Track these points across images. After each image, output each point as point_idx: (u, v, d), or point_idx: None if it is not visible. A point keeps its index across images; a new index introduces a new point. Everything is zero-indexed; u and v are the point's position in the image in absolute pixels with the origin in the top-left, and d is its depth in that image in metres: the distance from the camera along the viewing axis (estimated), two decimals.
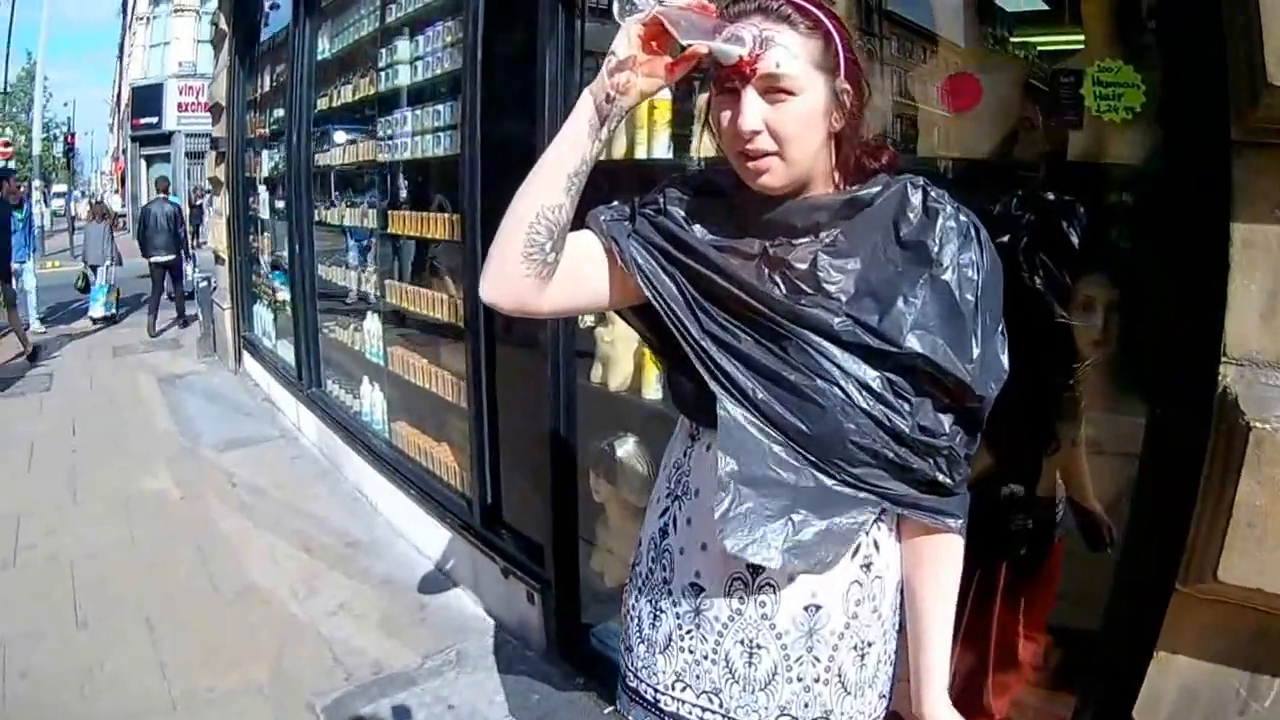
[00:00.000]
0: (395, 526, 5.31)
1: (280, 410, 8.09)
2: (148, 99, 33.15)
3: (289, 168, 7.37)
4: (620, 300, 1.66)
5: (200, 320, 11.19)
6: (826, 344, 1.44)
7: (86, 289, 13.50)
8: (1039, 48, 2.60)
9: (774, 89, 1.40)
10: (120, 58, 40.38)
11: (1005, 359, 1.47)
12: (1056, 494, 2.44)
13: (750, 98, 1.41)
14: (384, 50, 5.67)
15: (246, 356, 9.63)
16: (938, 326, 1.42)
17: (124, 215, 29.64)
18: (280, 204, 8.13)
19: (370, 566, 4.86)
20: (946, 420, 1.46)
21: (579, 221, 1.56)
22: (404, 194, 5.76)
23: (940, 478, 1.48)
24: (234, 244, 9.75)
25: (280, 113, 7.81)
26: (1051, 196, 2.24)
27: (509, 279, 1.50)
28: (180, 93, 32.06)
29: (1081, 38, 2.29)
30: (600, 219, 1.63)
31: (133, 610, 4.43)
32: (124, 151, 37.45)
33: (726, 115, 1.46)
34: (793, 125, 1.42)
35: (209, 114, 11.25)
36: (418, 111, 5.17)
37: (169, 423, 7.93)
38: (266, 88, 8.70)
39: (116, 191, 38.56)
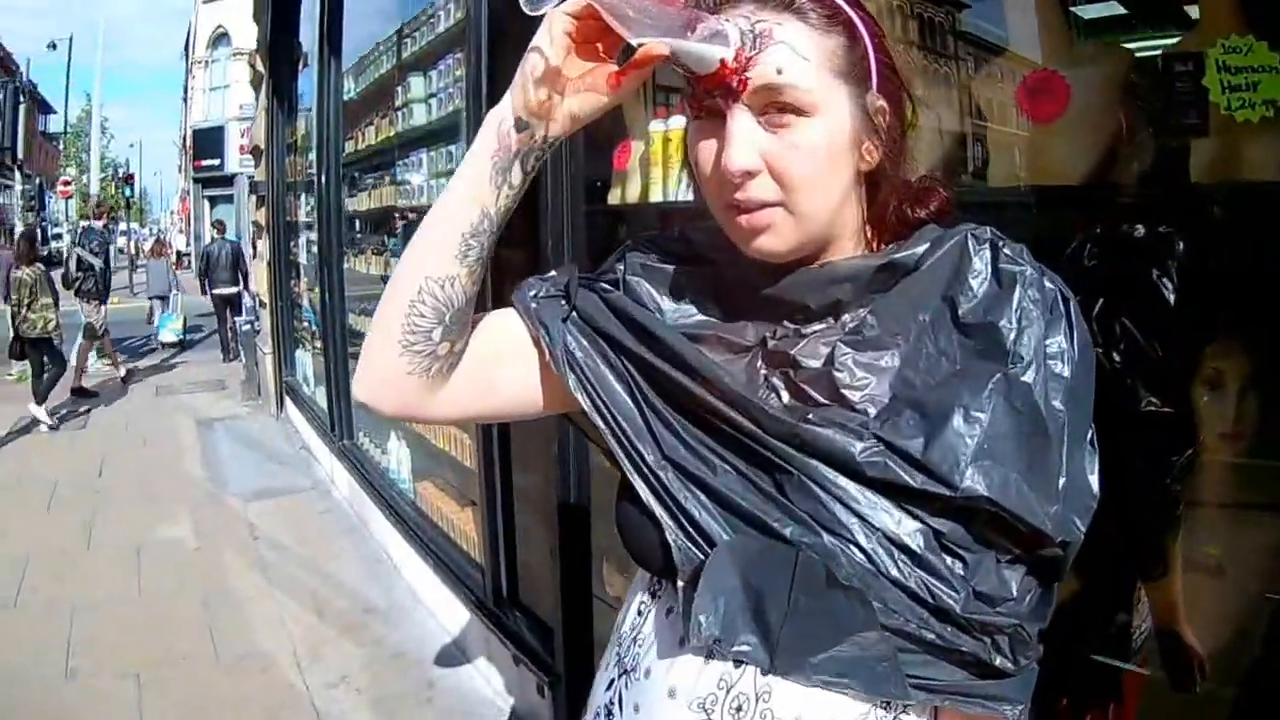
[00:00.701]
0: (416, 592, 5.08)
1: (316, 460, 7.97)
2: (209, 141, 33.90)
3: (319, 212, 7.36)
4: (557, 404, 1.30)
5: (244, 362, 11.30)
6: (843, 481, 1.01)
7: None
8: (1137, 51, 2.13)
9: (776, 108, 1.02)
10: (184, 100, 41.61)
11: (1095, 479, 1.03)
12: (1137, 615, 1.99)
13: (740, 122, 1.03)
14: (399, 88, 5.59)
15: (288, 402, 9.58)
16: (1011, 452, 0.98)
17: (187, 254, 30.43)
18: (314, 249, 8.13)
19: (383, 635, 4.65)
20: (1014, 578, 1.01)
21: (504, 294, 1.27)
22: None
23: (999, 661, 1.02)
24: (275, 288, 9.76)
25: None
26: (1147, 231, 1.75)
27: (386, 376, 1.18)
28: (241, 135, 32.42)
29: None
30: (527, 295, 1.28)
31: (124, 666, 4.31)
32: (188, 193, 38.51)
33: (707, 148, 1.08)
34: (805, 162, 1.03)
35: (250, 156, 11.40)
36: (432, 154, 5.07)
37: (199, 468, 7.88)
38: (303, 130, 8.69)
39: (181, 231, 39.68)
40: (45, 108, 69.55)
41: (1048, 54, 2.12)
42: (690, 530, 1.08)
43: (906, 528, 1.00)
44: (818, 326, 1.13)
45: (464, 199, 1.13)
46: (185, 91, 40.40)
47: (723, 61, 1.02)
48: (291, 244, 9.49)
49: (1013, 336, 1.02)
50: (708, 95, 1.06)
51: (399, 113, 5.62)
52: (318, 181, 7.28)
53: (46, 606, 4.99)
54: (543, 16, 1.05)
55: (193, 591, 5.18)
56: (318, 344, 8.31)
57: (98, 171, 28.51)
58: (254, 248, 11.70)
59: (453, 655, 4.48)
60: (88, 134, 35.24)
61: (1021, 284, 1.05)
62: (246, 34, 9.63)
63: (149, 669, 4.28)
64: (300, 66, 8.59)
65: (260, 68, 9.52)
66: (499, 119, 1.10)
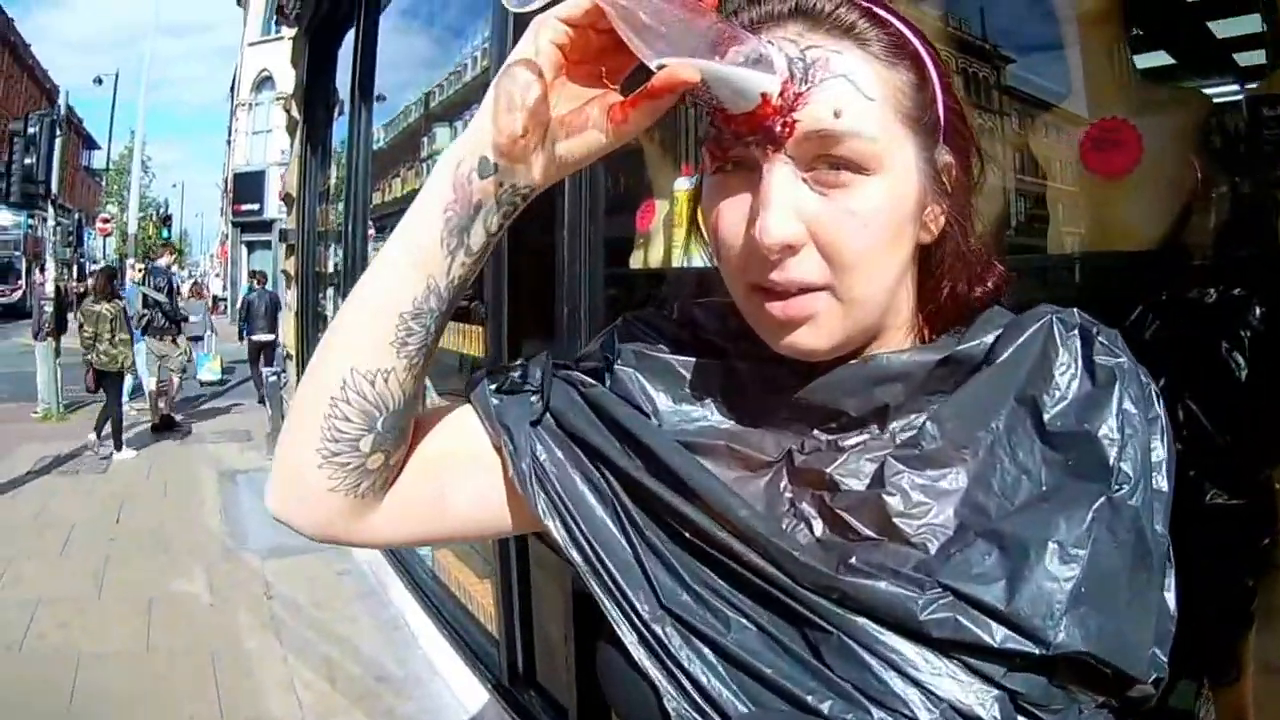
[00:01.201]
0: (433, 662, 4.96)
1: None
2: (249, 185, 34.46)
3: (344, 265, 7.35)
4: (529, 524, 1.03)
5: (270, 414, 11.35)
6: (896, 642, 0.80)
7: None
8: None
9: (828, 162, 0.83)
10: (228, 143, 42.27)
11: (1174, 598, 0.85)
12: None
13: (781, 179, 0.83)
14: (425, 139, 5.59)
15: None
16: (1111, 593, 0.80)
17: (224, 299, 30.79)
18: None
19: (395, 707, 4.54)
20: None
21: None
22: None
23: None
24: (302, 340, 9.73)
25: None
26: (1218, 296, 1.58)
27: (303, 491, 0.95)
28: (281, 180, 32.89)
29: None
30: (487, 390, 1.04)
31: None
32: (227, 237, 39.05)
33: (733, 212, 0.88)
34: (863, 234, 0.84)
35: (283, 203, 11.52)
36: None
37: (218, 521, 7.83)
38: (335, 178, 8.73)
39: (218, 275, 40.19)
40: (90, 143, 71.05)
41: (1097, 101, 1.96)
42: (697, 699, 0.85)
43: (978, 695, 0.78)
44: (859, 438, 0.93)
45: (404, 267, 0.90)
46: (229, 134, 41.07)
47: (764, 96, 0.81)
48: (320, 295, 9.49)
49: (1115, 450, 0.83)
50: (738, 141, 0.85)
51: (424, 164, 5.61)
52: (345, 232, 7.27)
53: (52, 654, 4.96)
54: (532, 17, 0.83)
55: (203, 649, 5.08)
56: None
57: (137, 210, 28.89)
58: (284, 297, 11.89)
59: None
60: (130, 171, 35.85)
61: (1121, 381, 0.86)
62: (290, 78, 9.73)
63: None
64: (336, 113, 8.64)
65: (295, 113, 9.57)
66: (456, 160, 0.87)
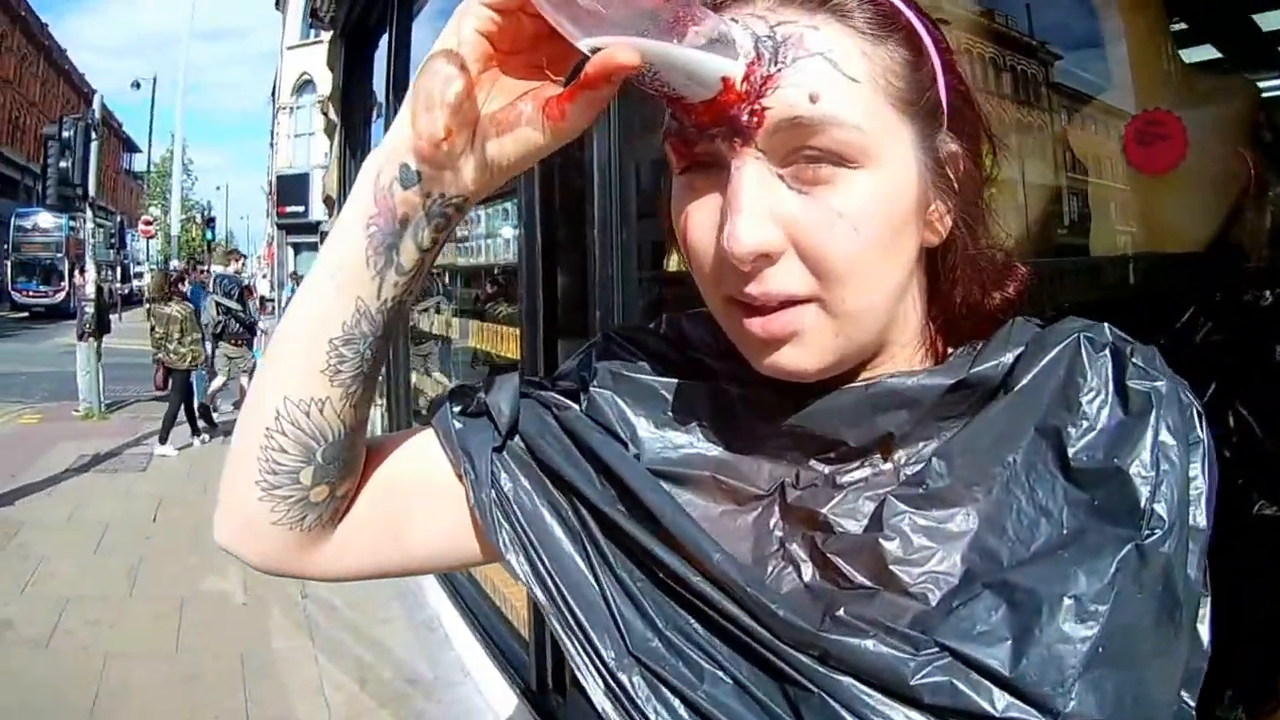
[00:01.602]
0: (465, 665, 4.96)
1: None
2: (293, 188, 34.55)
3: None
4: (494, 556, 0.95)
5: None
6: (885, 705, 0.71)
7: None
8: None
9: (808, 156, 0.73)
10: (271, 145, 42.76)
11: (1208, 630, 0.76)
12: None
13: (752, 178, 0.74)
14: None
15: None
16: (1131, 651, 0.70)
17: (271, 300, 31.23)
18: None
19: (424, 710, 4.55)
20: None
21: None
22: (480, 302, 5.65)
23: None
24: None
25: None
26: (1275, 298, 1.49)
27: (246, 522, 0.89)
28: (323, 183, 33.19)
29: None
30: (449, 414, 0.97)
31: None
32: (272, 238, 39.52)
33: (700, 217, 0.80)
34: (851, 238, 0.74)
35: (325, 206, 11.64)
36: (489, 210, 5.07)
37: None
38: None
39: (264, 276, 40.77)
40: (130, 146, 72.31)
41: (1145, 90, 1.88)
42: None
43: None
44: (859, 473, 0.85)
45: (328, 290, 0.82)
46: (271, 137, 41.52)
47: (727, 81, 0.71)
48: None
49: (1149, 489, 0.73)
50: (701, 135, 0.76)
51: None
52: None
53: (79, 651, 5.00)
54: None
55: (232, 649, 5.12)
56: (381, 400, 8.33)
57: (179, 213, 29.31)
58: None
59: None
60: (171, 174, 36.44)
61: (1158, 408, 0.75)
62: (328, 81, 9.79)
63: None
64: (373, 116, 8.65)
65: (333, 115, 9.61)
66: (375, 169, 0.78)
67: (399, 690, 4.76)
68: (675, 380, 0.95)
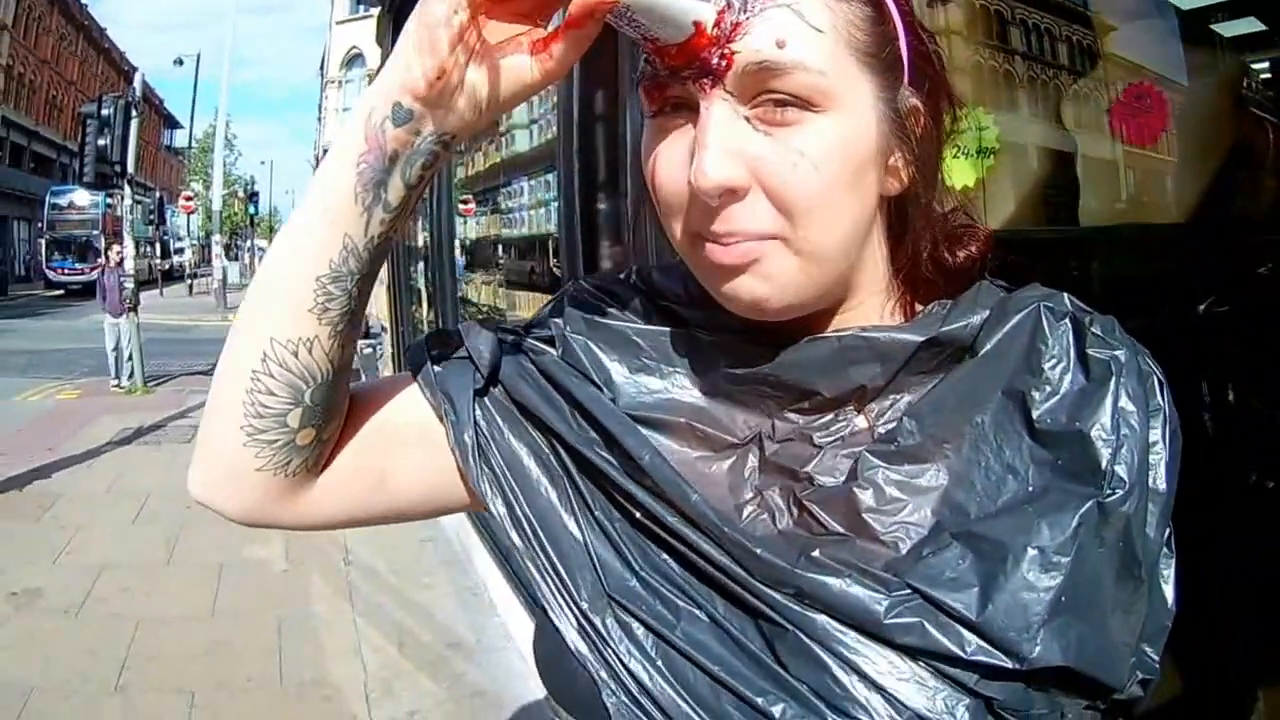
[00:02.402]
0: (510, 630, 5.01)
1: None
2: None
3: (431, 238, 7.53)
4: (477, 502, 0.98)
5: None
6: (859, 642, 0.76)
7: None
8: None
9: (773, 99, 0.78)
10: (319, 120, 43.21)
11: (1172, 590, 0.83)
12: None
13: (720, 117, 0.78)
14: (504, 114, 5.60)
15: None
16: (1093, 602, 0.77)
17: None
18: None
19: (465, 673, 4.62)
20: None
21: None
22: (525, 272, 5.71)
23: None
24: (395, 312, 9.93)
25: None
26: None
27: (227, 471, 0.90)
28: None
29: None
30: (427, 356, 1.00)
31: (179, 684, 4.37)
32: None
33: (670, 156, 0.83)
34: (813, 176, 0.78)
35: None
36: (532, 182, 5.09)
37: None
38: None
39: None
40: (172, 122, 73.29)
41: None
42: (637, 696, 0.81)
43: (947, 702, 0.74)
44: (835, 429, 0.89)
45: (317, 226, 0.84)
46: (319, 111, 41.97)
47: (698, 26, 0.76)
48: (411, 269, 9.66)
49: (1109, 451, 0.79)
50: (673, 77, 0.80)
51: (503, 138, 5.73)
52: (430, 207, 7.44)
53: (110, 618, 5.10)
54: None
55: (269, 614, 5.22)
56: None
57: (221, 188, 29.69)
58: None
59: (534, 699, 4.33)
60: (214, 149, 37.05)
61: (1117, 375, 0.81)
62: (377, 56, 9.90)
63: (205, 690, 4.33)
64: None
65: None
66: (368, 108, 0.81)
67: (438, 654, 4.84)
68: (649, 327, 0.98)
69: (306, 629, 5.05)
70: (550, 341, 0.99)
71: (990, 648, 0.73)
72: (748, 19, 0.76)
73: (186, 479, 0.91)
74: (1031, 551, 0.75)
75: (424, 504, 1.01)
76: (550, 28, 0.80)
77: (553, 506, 0.91)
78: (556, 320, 1.00)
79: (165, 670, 4.50)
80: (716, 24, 0.76)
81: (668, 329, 0.97)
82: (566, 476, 0.92)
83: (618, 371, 0.95)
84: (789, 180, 0.78)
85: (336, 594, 5.55)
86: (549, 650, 0.89)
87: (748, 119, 0.78)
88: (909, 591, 0.75)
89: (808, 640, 0.76)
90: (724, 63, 0.77)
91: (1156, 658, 0.80)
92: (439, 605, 5.43)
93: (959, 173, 1.96)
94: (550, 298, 1.08)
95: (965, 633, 0.73)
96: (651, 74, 0.82)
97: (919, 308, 0.92)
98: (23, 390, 13.08)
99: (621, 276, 1.05)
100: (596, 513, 0.89)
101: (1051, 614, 0.73)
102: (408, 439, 0.98)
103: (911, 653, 0.75)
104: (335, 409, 0.91)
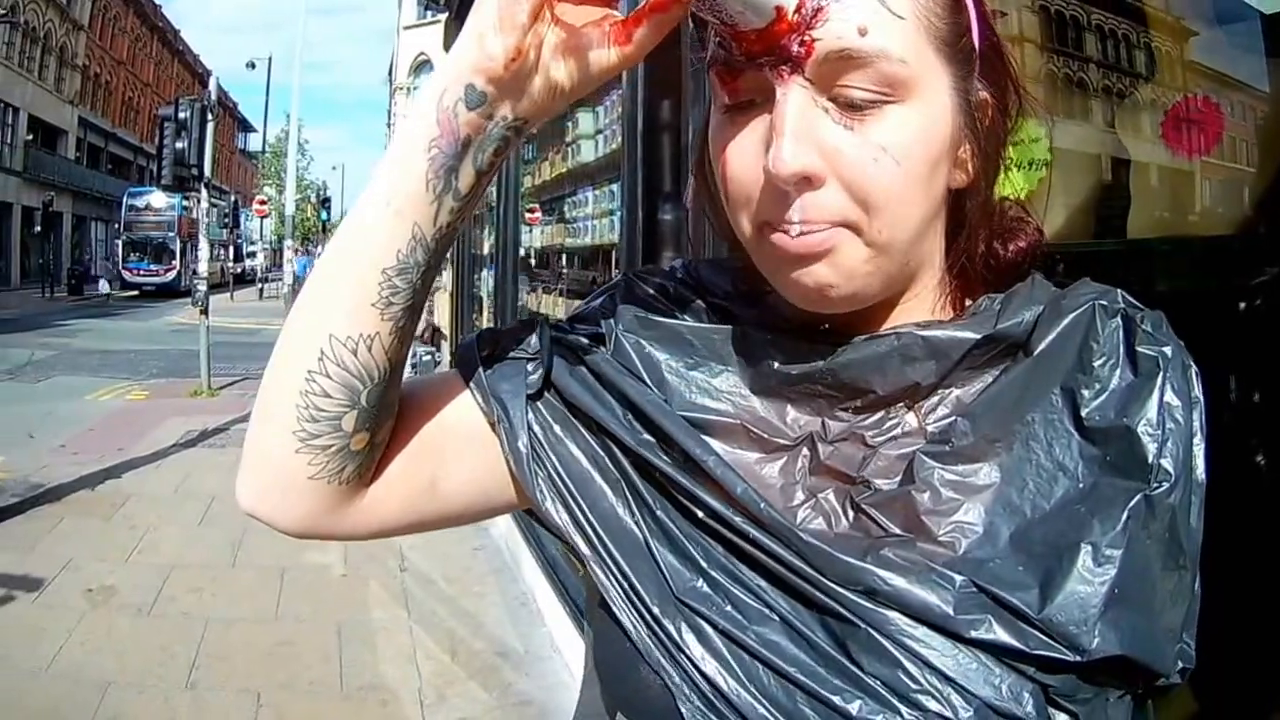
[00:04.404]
0: (556, 641, 5.10)
1: None
2: None
3: (496, 247, 7.56)
4: (528, 504, 0.97)
5: None
6: (930, 636, 0.77)
7: None
8: None
9: (855, 88, 0.76)
10: (388, 125, 43.33)
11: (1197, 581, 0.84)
12: None
13: (798, 105, 0.76)
14: (569, 123, 5.71)
15: None
16: (1145, 592, 0.78)
17: None
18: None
19: (513, 682, 4.71)
20: (1122, 715, 0.82)
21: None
22: (587, 281, 5.76)
23: None
24: (456, 320, 10.01)
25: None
26: None
27: (279, 481, 0.87)
28: None
29: None
30: (476, 358, 0.97)
31: (246, 684, 4.52)
32: None
33: (742, 145, 0.82)
34: (893, 170, 0.77)
35: None
36: (597, 192, 5.19)
37: None
38: None
39: None
40: (244, 125, 73.82)
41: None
42: (713, 700, 0.80)
43: (1012, 689, 0.75)
44: (887, 429, 0.88)
45: (386, 215, 0.81)
46: (389, 117, 42.09)
47: (779, 10, 0.74)
48: (475, 276, 9.71)
49: (1155, 446, 0.79)
50: (749, 63, 0.78)
51: (569, 147, 5.77)
52: (496, 215, 7.50)
53: (181, 617, 5.27)
54: None
55: (329, 618, 5.35)
56: None
57: (294, 192, 29.94)
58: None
59: None
60: (287, 154, 37.22)
61: (1164, 371, 0.81)
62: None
63: (270, 690, 4.48)
64: None
65: None
66: (440, 91, 0.78)
67: (489, 662, 4.94)
68: (700, 325, 0.96)
69: (365, 634, 5.18)
70: (599, 339, 0.98)
71: (1052, 642, 0.74)
72: (829, 4, 0.74)
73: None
74: (1085, 547, 0.76)
75: (474, 508, 0.99)
76: (622, 5, 0.78)
77: (613, 510, 0.89)
78: (607, 317, 0.98)
79: (233, 670, 4.66)
80: (797, 9, 0.74)
81: (719, 326, 0.96)
82: (624, 478, 0.90)
83: (669, 372, 0.93)
84: (871, 174, 0.76)
85: (393, 600, 5.66)
86: (615, 657, 0.88)
87: (826, 109, 0.77)
88: (973, 589, 0.76)
89: (879, 637, 0.76)
90: (804, 50, 0.75)
91: (1192, 644, 0.80)
92: (489, 613, 5.54)
93: (1010, 184, 1.95)
94: (596, 291, 1.06)
95: (1028, 629, 0.75)
96: (724, 59, 0.80)
97: (968, 302, 0.92)
98: (94, 390, 13.33)
99: (671, 270, 1.04)
100: (658, 513, 0.87)
101: (1106, 606, 0.74)
102: (458, 442, 0.95)
103: (980, 647, 0.75)
104: (389, 411, 0.89)
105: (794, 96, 0.76)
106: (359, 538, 0.95)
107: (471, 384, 0.95)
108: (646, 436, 0.89)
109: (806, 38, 0.74)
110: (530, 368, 0.95)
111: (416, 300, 0.84)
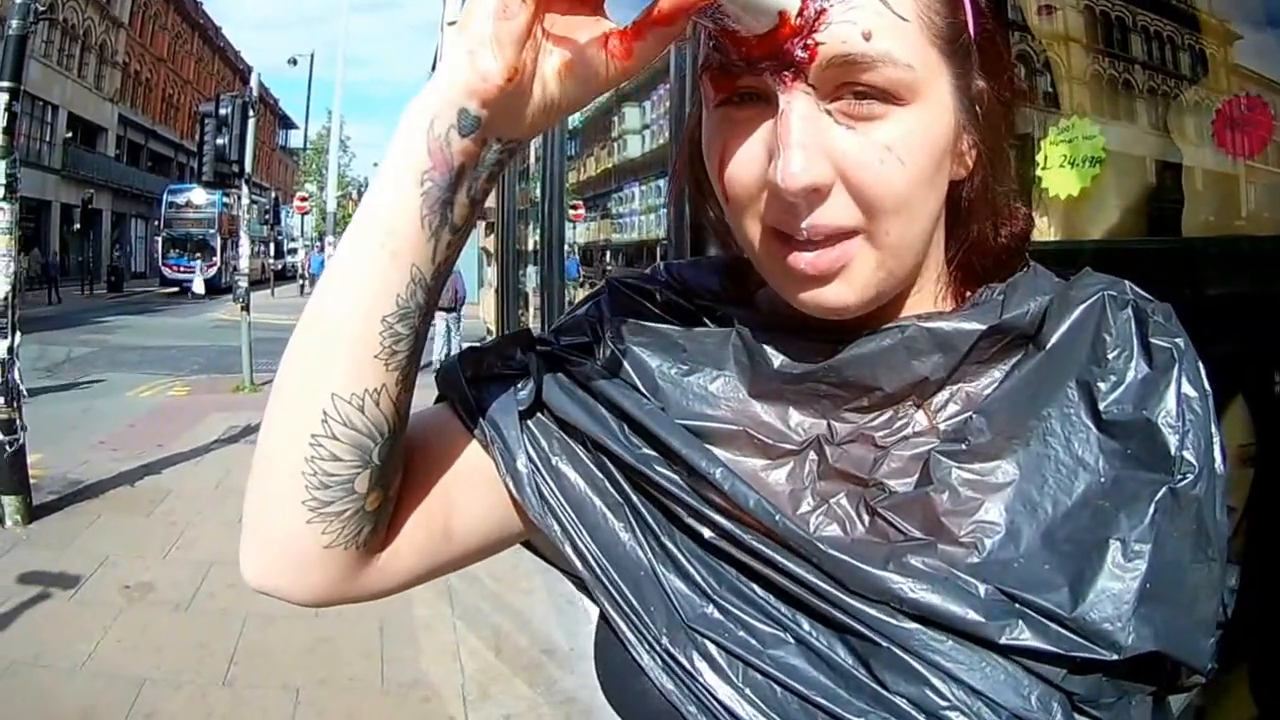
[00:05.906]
0: None
1: None
2: None
3: (543, 242, 7.56)
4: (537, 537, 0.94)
5: None
6: (954, 648, 0.74)
7: None
8: None
9: (855, 92, 0.75)
10: None
11: (1234, 577, 0.84)
12: None
13: (803, 112, 0.75)
14: (616, 118, 5.77)
15: None
16: (1174, 586, 0.76)
17: None
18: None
19: (558, 680, 4.73)
20: (1144, 716, 0.80)
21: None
22: None
23: None
24: (502, 316, 10.01)
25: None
26: None
27: (293, 556, 0.82)
28: None
29: None
30: (461, 378, 0.93)
31: (285, 680, 4.56)
32: None
33: (744, 150, 0.80)
34: (901, 173, 0.77)
35: None
36: (643, 187, 5.14)
37: None
38: (533, 157, 9.06)
39: None
40: (286, 122, 74.69)
41: None
42: None
43: (1042, 700, 0.73)
44: (897, 428, 0.86)
45: (381, 260, 0.76)
46: None
47: (783, 15, 0.73)
48: (520, 273, 9.75)
49: (1177, 438, 0.78)
50: (749, 68, 0.77)
51: (615, 142, 5.85)
52: (542, 210, 7.47)
53: (220, 613, 5.30)
54: None
55: (371, 615, 5.31)
56: None
57: (335, 189, 30.23)
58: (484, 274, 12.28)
59: None
60: (328, 151, 37.64)
61: (1179, 362, 0.80)
62: None
63: (310, 686, 4.53)
64: None
65: None
66: (429, 116, 0.73)
67: (534, 659, 4.98)
68: (692, 329, 0.95)
69: (407, 631, 5.19)
70: (588, 349, 0.95)
71: (1087, 642, 0.72)
72: (831, 6, 0.73)
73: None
74: (1114, 544, 0.75)
75: (488, 543, 0.95)
76: (613, 17, 0.74)
77: (614, 534, 0.86)
78: (595, 326, 0.96)
79: (271, 666, 4.69)
80: (800, 13, 0.73)
81: (711, 329, 0.94)
82: (624, 499, 0.87)
83: (663, 377, 0.91)
84: (877, 176, 0.76)
85: (437, 597, 5.65)
86: (615, 667, 0.85)
87: (829, 112, 0.76)
88: (1000, 595, 0.74)
89: (903, 653, 0.74)
90: (808, 54, 0.73)
91: (1215, 647, 0.79)
92: (535, 611, 5.53)
93: (1063, 182, 1.97)
94: (578, 300, 1.04)
95: (1062, 630, 0.73)
96: (721, 63, 0.79)
97: (968, 293, 0.91)
98: (134, 386, 13.46)
99: (652, 274, 1.02)
100: (662, 537, 0.85)
101: (1139, 602, 0.73)
102: (463, 478, 0.91)
103: (1008, 653, 0.74)
104: (400, 462, 0.84)
105: (798, 105, 0.75)
106: (379, 597, 0.90)
107: (460, 410, 0.92)
108: (646, 450, 0.86)
109: (810, 42, 0.74)
110: (519, 384, 0.91)
111: (419, 345, 0.80)
